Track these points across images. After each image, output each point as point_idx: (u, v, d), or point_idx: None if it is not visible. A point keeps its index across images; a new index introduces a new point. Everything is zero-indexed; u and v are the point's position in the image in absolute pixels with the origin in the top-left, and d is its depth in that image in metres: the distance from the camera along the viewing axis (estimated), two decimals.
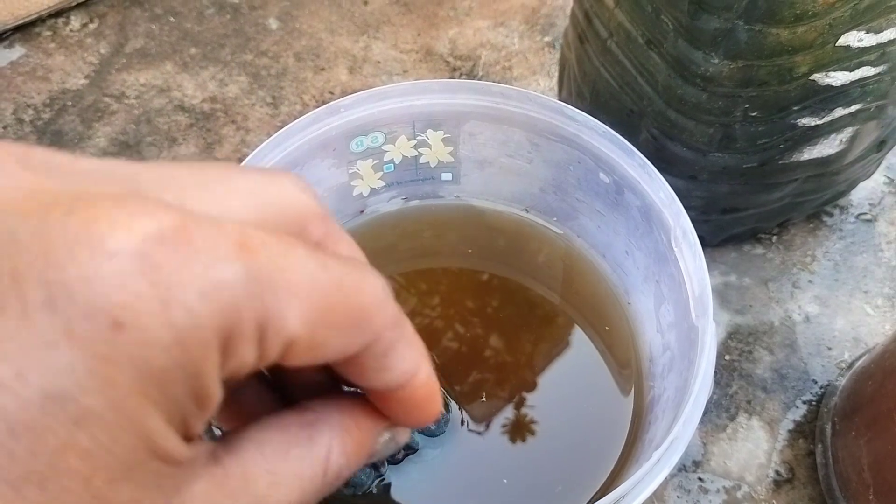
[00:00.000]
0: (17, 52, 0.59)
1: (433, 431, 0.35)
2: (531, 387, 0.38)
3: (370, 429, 0.20)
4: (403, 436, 0.21)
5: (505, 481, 0.36)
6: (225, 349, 0.14)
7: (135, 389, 0.13)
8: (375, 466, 0.33)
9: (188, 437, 0.15)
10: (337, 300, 0.16)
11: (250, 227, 0.15)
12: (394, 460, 0.34)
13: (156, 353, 0.13)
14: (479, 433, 0.37)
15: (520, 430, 0.37)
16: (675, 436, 0.28)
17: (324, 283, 0.16)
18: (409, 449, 0.34)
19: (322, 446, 0.18)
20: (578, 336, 0.40)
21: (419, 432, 0.35)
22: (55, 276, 0.13)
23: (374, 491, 0.35)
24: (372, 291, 0.17)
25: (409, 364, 0.19)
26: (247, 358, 0.15)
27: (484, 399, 0.37)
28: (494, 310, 0.41)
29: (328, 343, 0.16)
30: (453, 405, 0.37)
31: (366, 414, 0.20)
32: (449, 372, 0.38)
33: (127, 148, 0.54)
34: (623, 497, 0.28)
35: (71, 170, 0.15)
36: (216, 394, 0.15)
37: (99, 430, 0.13)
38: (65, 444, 0.13)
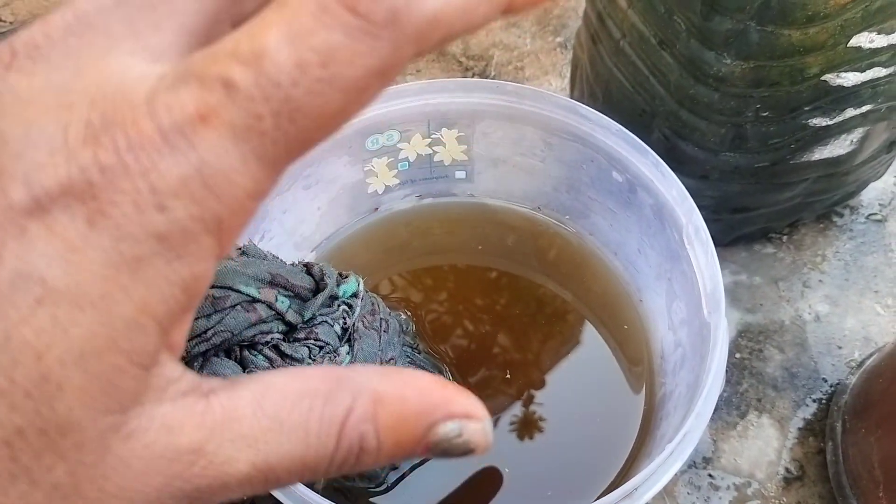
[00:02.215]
0: None
1: None
2: (543, 383, 0.39)
3: (421, 407, 0.17)
4: (477, 433, 0.17)
5: (506, 470, 0.36)
6: (218, 232, 0.14)
7: (103, 275, 0.14)
8: None
9: (171, 346, 0.15)
10: (326, 99, 0.14)
11: (205, 75, 0.14)
12: None
13: (128, 245, 0.14)
14: (493, 426, 0.37)
15: (532, 424, 0.37)
16: (688, 429, 0.29)
17: (304, 95, 0.14)
18: None
19: (342, 403, 0.16)
20: (590, 333, 0.40)
21: None
22: (37, 177, 0.14)
23: (388, 483, 0.35)
24: (367, 66, 0.14)
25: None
26: (245, 218, 0.15)
27: (509, 375, 0.38)
28: (506, 307, 0.41)
29: (349, 112, 0.14)
30: None
31: (420, 388, 0.17)
32: (462, 367, 0.39)
33: None
34: (636, 489, 0.28)
35: (43, 66, 0.15)
36: (206, 278, 0.15)
37: (59, 311, 0.14)
38: (24, 318, 0.13)
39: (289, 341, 0.28)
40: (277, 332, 0.28)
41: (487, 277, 0.42)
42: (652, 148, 0.44)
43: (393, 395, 0.17)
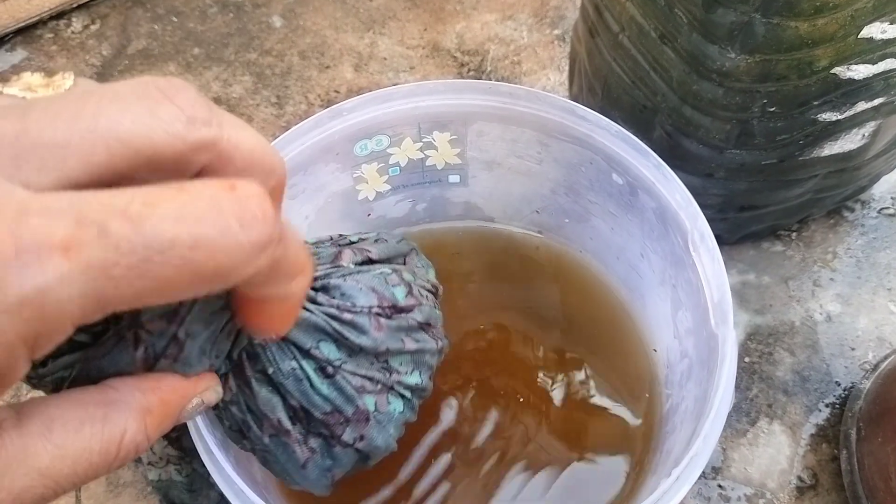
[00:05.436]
0: (18, 54, 0.59)
1: None
2: (540, 400, 0.37)
3: (177, 403, 0.22)
4: (212, 396, 0.23)
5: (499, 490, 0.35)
6: (33, 346, 0.16)
7: None
8: None
9: None
10: (175, 274, 0.16)
11: (85, 215, 0.15)
12: None
13: None
14: (494, 450, 0.36)
15: (532, 445, 0.36)
16: (695, 452, 0.27)
17: (160, 264, 0.16)
18: None
19: (117, 426, 0.20)
20: (587, 348, 0.39)
21: None
22: None
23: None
24: (228, 255, 0.17)
25: (283, 290, 0.20)
26: (60, 338, 0.16)
27: (521, 399, 0.37)
28: (502, 327, 0.40)
29: (177, 296, 0.17)
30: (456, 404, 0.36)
31: (173, 389, 0.22)
32: (453, 387, 0.37)
33: None
34: None
35: None
36: (16, 374, 0.16)
37: None
38: None
39: None
40: None
41: (479, 297, 0.41)
42: (654, 145, 0.42)
43: (157, 404, 0.21)
